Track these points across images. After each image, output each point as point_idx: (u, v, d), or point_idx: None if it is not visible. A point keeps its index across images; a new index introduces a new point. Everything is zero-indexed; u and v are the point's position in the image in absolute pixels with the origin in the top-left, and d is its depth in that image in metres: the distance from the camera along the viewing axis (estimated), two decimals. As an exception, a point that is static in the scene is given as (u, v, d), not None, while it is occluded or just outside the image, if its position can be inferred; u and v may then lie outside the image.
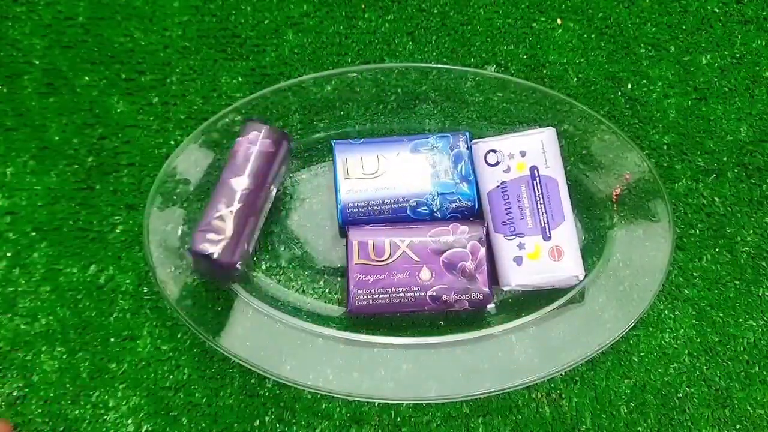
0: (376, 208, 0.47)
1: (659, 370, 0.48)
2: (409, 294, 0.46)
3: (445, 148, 0.48)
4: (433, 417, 0.48)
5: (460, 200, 0.47)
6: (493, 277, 0.47)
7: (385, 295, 0.46)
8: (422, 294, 0.46)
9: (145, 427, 0.47)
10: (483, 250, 0.46)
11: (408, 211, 0.47)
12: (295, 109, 0.50)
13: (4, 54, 0.51)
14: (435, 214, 0.47)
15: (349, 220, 0.47)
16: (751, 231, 0.51)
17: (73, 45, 0.52)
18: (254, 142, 0.45)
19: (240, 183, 0.44)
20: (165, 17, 0.52)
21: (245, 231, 0.44)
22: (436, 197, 0.47)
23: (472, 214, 0.48)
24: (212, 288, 0.48)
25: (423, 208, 0.47)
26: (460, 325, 0.48)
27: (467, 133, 0.49)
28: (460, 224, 0.46)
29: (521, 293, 0.49)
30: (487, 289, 0.46)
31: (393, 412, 0.48)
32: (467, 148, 0.48)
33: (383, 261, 0.46)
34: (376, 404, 0.48)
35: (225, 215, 0.43)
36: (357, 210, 0.47)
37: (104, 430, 0.47)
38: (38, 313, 0.48)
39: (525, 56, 0.53)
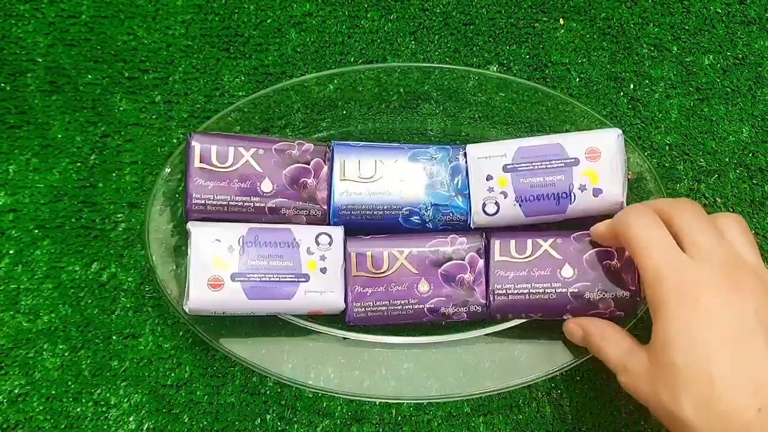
0: (368, 213, 0.46)
1: (660, 371, 0.48)
2: (407, 306, 0.45)
3: (444, 159, 0.47)
4: (434, 416, 0.48)
5: (452, 213, 0.46)
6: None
7: (383, 308, 0.45)
8: (420, 306, 0.45)
9: (146, 425, 0.47)
10: (481, 262, 0.46)
11: (400, 219, 0.46)
12: (298, 108, 0.51)
13: (7, 52, 0.52)
14: (427, 225, 0.47)
15: (341, 222, 0.47)
16: (753, 232, 0.50)
17: (77, 43, 0.52)
18: None
19: None
20: (168, 16, 0.52)
21: None
22: (429, 208, 0.46)
23: (464, 228, 0.47)
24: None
25: (415, 217, 0.46)
26: (461, 325, 0.48)
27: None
28: (459, 235, 0.46)
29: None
30: (485, 301, 0.46)
31: (394, 411, 0.48)
32: (466, 162, 0.47)
33: (381, 273, 0.46)
34: (377, 403, 0.48)
35: None
36: (349, 213, 0.46)
37: (106, 427, 0.47)
38: (40, 311, 0.48)
39: (527, 56, 0.53)
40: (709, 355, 0.33)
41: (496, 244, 0.45)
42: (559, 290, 0.44)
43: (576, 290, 0.44)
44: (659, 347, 0.35)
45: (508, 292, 0.45)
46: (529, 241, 0.45)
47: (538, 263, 0.45)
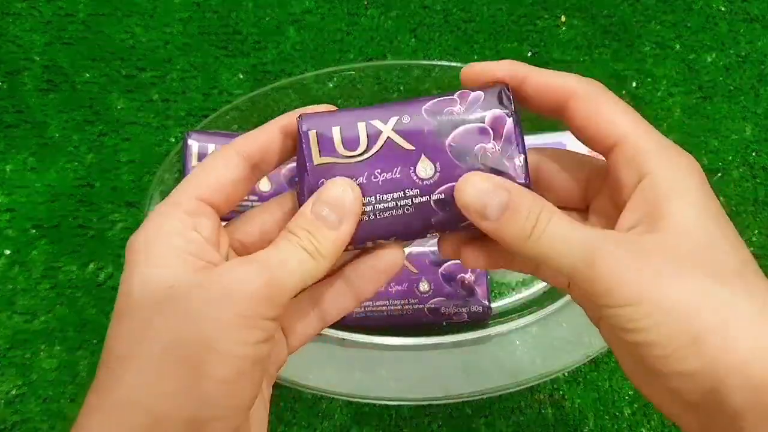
0: None
1: (663, 371, 0.48)
2: (407, 306, 0.45)
3: None
4: (435, 418, 0.47)
5: None
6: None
7: (383, 308, 0.45)
8: (420, 306, 0.45)
9: (144, 427, 0.47)
10: None
11: None
12: (297, 106, 0.50)
13: (4, 50, 0.51)
14: None
15: None
16: (756, 231, 0.50)
17: (74, 41, 0.52)
18: None
19: None
20: (166, 14, 0.52)
21: None
22: None
23: None
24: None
25: None
26: (461, 326, 0.48)
27: None
28: None
29: (520, 297, 0.49)
30: (486, 302, 0.45)
31: (394, 412, 0.48)
32: None
33: None
34: (377, 405, 0.48)
35: None
36: None
37: (103, 429, 0.47)
38: (37, 311, 0.48)
39: (529, 54, 0.53)
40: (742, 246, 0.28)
41: (310, 137, 0.27)
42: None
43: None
44: (679, 233, 0.27)
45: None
46: (361, 126, 0.27)
47: (380, 162, 0.27)
